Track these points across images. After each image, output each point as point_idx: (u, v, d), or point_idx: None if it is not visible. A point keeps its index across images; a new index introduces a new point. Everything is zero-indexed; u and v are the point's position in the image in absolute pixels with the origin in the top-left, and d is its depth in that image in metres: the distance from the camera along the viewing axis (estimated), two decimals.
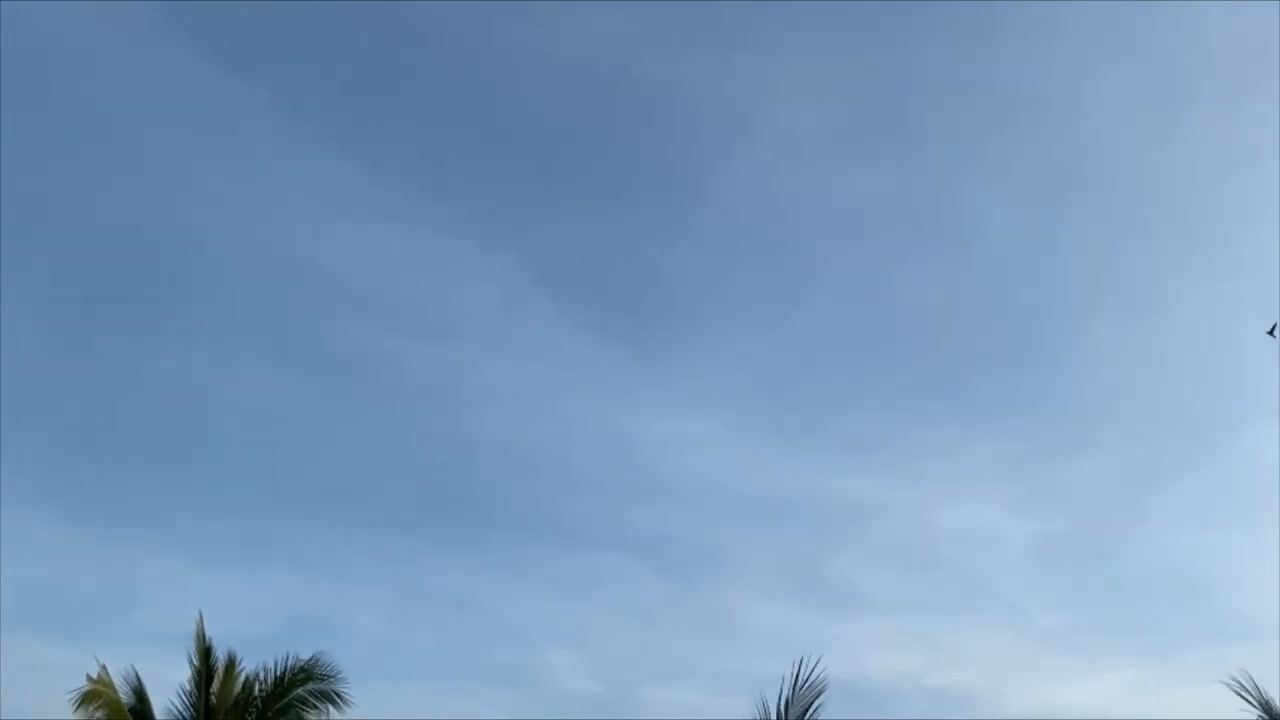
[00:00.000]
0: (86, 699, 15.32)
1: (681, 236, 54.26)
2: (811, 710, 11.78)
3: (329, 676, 17.19)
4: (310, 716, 17.01)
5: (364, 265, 47.16)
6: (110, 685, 15.84)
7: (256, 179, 46.64)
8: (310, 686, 17.05)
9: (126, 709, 15.98)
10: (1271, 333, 24.68)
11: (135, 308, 44.84)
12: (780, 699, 11.79)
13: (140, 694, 16.52)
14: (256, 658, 17.42)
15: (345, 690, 17.26)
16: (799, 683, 11.80)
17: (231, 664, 17.14)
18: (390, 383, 47.57)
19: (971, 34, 49.95)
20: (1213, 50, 48.88)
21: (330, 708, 17.10)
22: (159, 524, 38.72)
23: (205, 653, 16.83)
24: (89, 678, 15.59)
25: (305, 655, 17.24)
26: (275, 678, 17.05)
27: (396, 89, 47.64)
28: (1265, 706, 12.75)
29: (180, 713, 16.85)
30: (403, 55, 47.24)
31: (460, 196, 50.13)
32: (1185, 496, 52.23)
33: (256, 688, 17.07)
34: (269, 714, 16.79)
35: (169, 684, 17.12)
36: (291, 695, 16.92)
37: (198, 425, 42.82)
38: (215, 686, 16.81)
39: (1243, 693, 12.80)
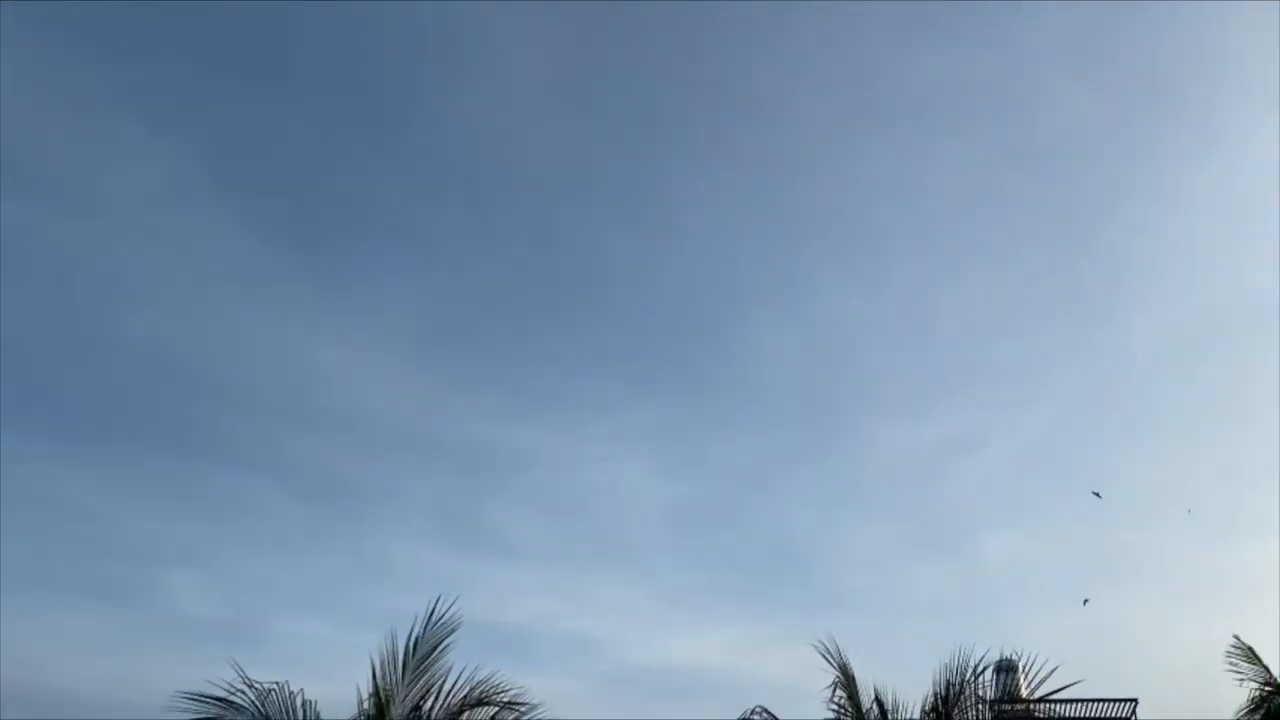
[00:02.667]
0: None
1: (388, 160, 52.17)
2: (440, 648, 12.17)
3: None
4: None
5: None
6: None
7: None
8: None
9: None
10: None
11: None
12: (411, 635, 12.06)
13: None
14: None
15: None
16: (431, 620, 12.14)
17: None
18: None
19: (693, 29, 51.96)
20: (908, 80, 54.64)
21: None
22: None
23: None
24: None
25: None
26: None
27: None
28: (843, 669, 14.47)
29: None
30: None
31: (135, 59, 44.38)
32: (808, 477, 58.63)
33: None
34: None
35: None
36: None
37: None
38: None
39: (826, 655, 14.47)
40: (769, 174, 57.57)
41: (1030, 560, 54.03)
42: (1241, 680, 17.04)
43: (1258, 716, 16.60)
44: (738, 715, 14.01)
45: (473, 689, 12.17)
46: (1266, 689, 16.80)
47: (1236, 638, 17.25)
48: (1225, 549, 51.14)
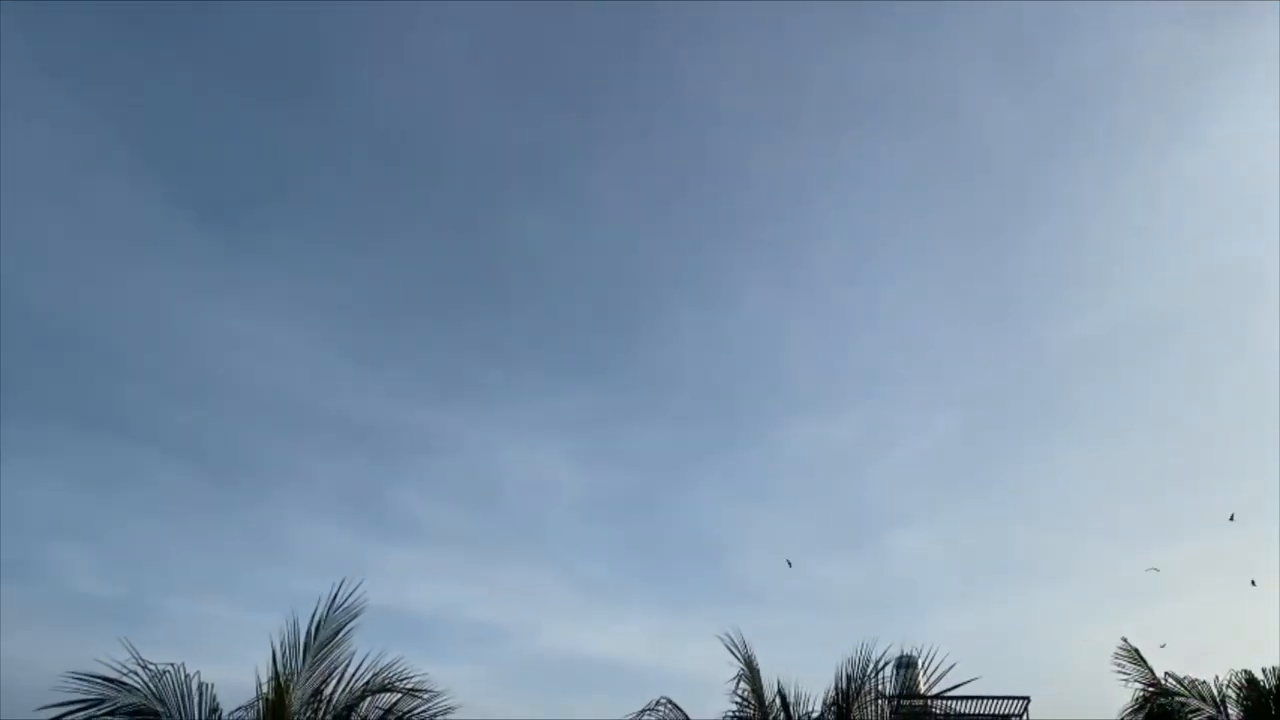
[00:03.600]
0: None
1: (307, 132, 50.59)
2: (343, 632, 12.00)
3: None
4: None
5: None
6: None
7: None
8: None
9: None
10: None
11: None
12: (313, 619, 11.87)
13: None
14: None
15: None
16: (335, 604, 11.97)
17: None
18: None
19: (623, 22, 51.58)
20: (840, 82, 55.42)
21: None
22: None
23: None
24: None
25: None
26: None
27: None
28: (748, 662, 14.72)
29: None
30: None
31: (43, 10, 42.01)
32: (724, 472, 59.36)
33: None
34: None
35: None
36: None
37: None
38: None
39: (732, 648, 14.72)
40: (695, 170, 57.96)
41: (936, 559, 55.51)
42: (1127, 681, 17.78)
43: (1140, 716, 17.33)
44: (642, 707, 14.11)
45: (375, 675, 12.05)
46: (1150, 690, 17.54)
47: (1124, 640, 17.98)
48: (1128, 553, 53.25)
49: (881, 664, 14.21)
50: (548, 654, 46.34)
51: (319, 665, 11.83)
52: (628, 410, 60.10)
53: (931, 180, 59.49)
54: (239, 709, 11.62)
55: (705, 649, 15.02)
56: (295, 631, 11.78)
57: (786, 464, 59.80)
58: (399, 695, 12.14)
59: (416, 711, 12.19)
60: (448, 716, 12.30)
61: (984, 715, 26.52)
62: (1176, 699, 17.48)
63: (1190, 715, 17.35)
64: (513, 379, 57.36)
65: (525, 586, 50.02)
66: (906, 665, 15.51)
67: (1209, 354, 59.66)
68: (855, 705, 14.08)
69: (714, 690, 14.88)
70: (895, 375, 63.28)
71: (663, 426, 59.06)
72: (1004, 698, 26.45)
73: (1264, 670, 17.38)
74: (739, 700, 14.27)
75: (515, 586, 49.36)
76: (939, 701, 14.74)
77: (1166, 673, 17.67)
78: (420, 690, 12.17)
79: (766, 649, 15.80)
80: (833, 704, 14.06)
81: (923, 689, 15.55)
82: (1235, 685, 17.54)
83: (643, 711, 14.02)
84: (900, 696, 14.53)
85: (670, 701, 14.23)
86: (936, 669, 14.21)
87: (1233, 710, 17.44)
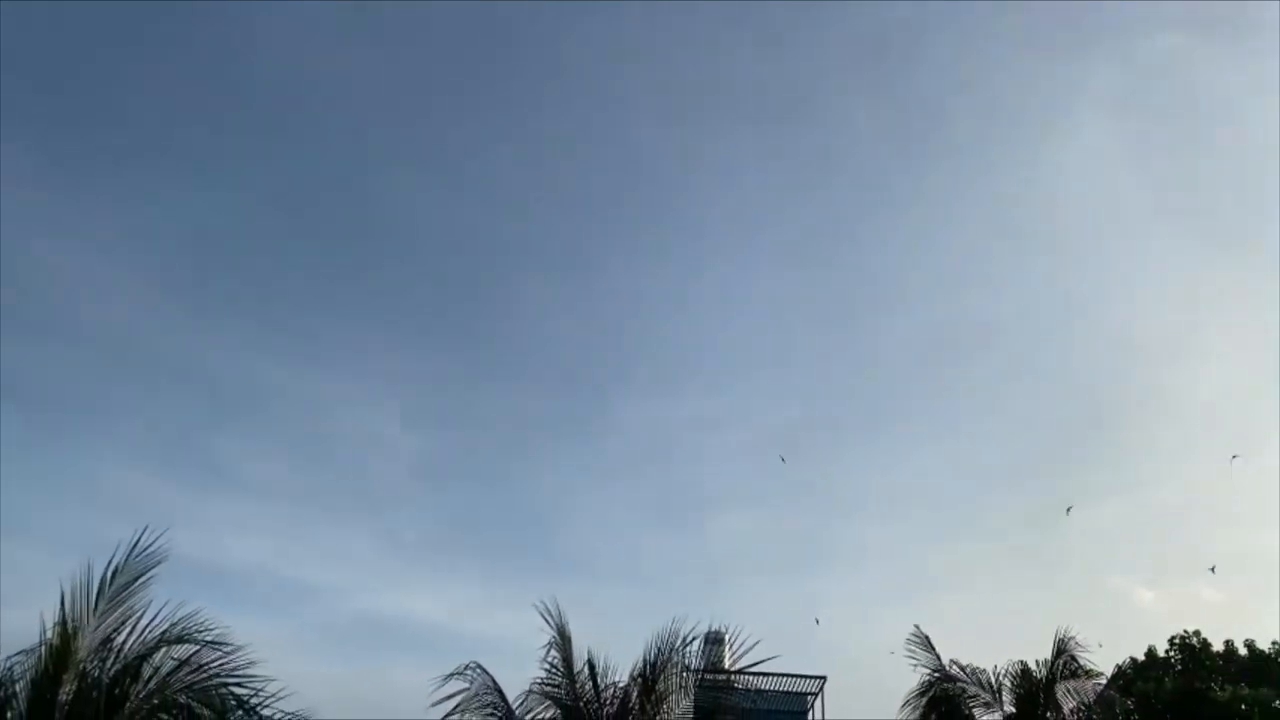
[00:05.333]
0: None
1: (155, 65, 47.72)
2: (141, 580, 11.57)
3: None
4: None
5: None
6: None
7: None
8: None
9: None
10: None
11: None
12: (110, 565, 11.40)
13: None
14: None
15: None
16: (135, 550, 11.52)
17: None
18: None
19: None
20: (718, 77, 56.17)
21: None
22: None
23: None
24: None
25: None
26: None
27: None
28: (560, 631, 15.02)
29: None
30: None
31: None
32: (562, 445, 59.96)
33: None
34: None
35: None
36: None
37: None
38: None
39: (546, 616, 15.02)
40: (571, 149, 57.86)
41: (757, 540, 57.78)
42: (916, 666, 19.06)
43: (924, 699, 18.62)
44: (451, 670, 14.20)
45: (173, 625, 11.65)
46: (935, 675, 18.86)
47: (916, 627, 19.26)
48: (934, 546, 56.74)
49: (690, 639, 14.78)
50: (366, 614, 45.72)
51: (112, 613, 11.35)
52: (473, 376, 59.61)
53: (793, 179, 61.30)
54: (18, 653, 11.04)
55: (526, 617, 15.28)
56: (89, 576, 11.26)
57: (624, 440, 60.70)
58: (197, 647, 11.77)
59: (215, 664, 11.86)
60: (249, 671, 12.00)
61: (783, 693, 27.94)
62: (959, 684, 18.87)
63: (969, 701, 18.78)
64: (354, 333, 55.95)
65: (347, 545, 49.13)
66: (715, 641, 16.19)
67: (1021, 362, 64.02)
68: (661, 677, 14.59)
69: (530, 658, 15.15)
70: (742, 363, 65.14)
71: (507, 394, 58.96)
72: (803, 676, 27.95)
73: (1037, 662, 18.97)
74: (548, 668, 14.55)
75: (337, 545, 48.42)
76: (741, 677, 15.46)
77: (952, 660, 19.06)
78: (220, 643, 11.83)
79: (588, 620, 16.16)
80: (639, 675, 14.53)
81: (727, 665, 16.27)
82: (1011, 675, 19.08)
83: (450, 675, 14.13)
84: (704, 671, 15.10)
85: (480, 666, 14.40)
86: (741, 646, 14.92)
87: (1007, 697, 18.96)
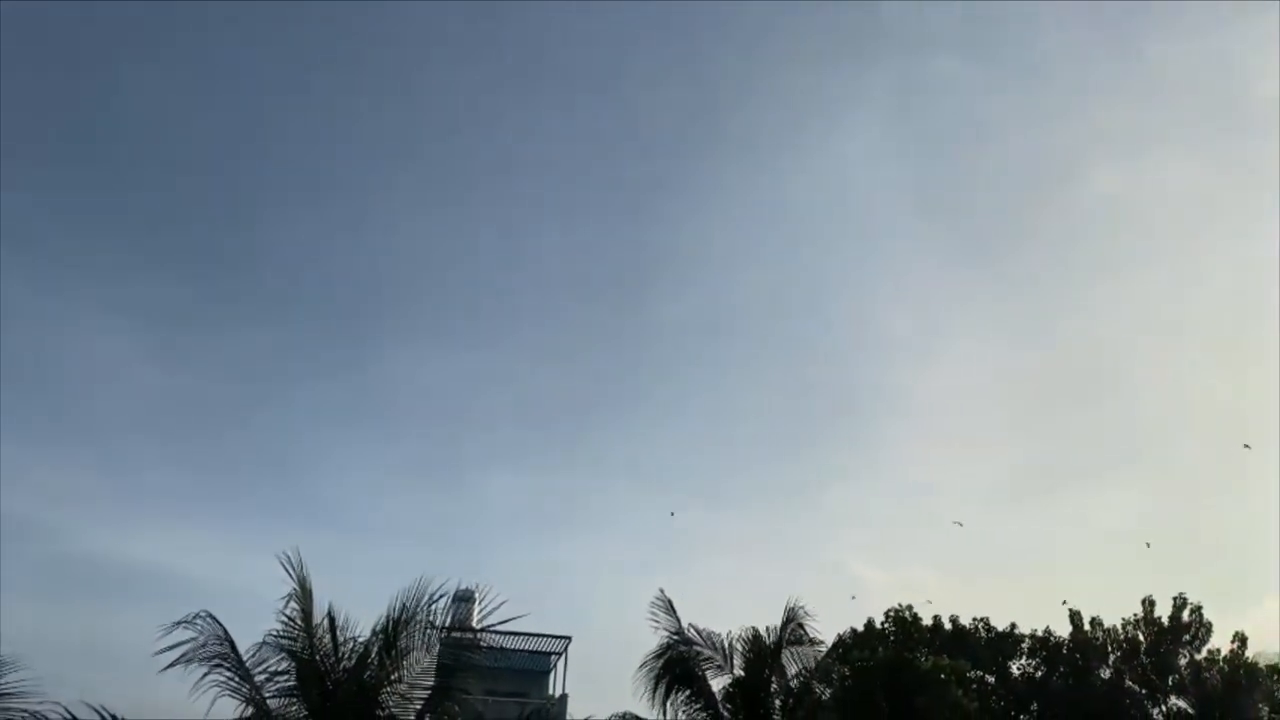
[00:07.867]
0: None
1: None
2: None
3: None
4: None
5: None
6: None
7: None
8: None
9: None
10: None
11: None
12: None
13: None
14: None
15: None
16: None
17: None
18: None
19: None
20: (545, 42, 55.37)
21: None
22: None
23: None
24: None
25: None
26: None
27: None
28: (301, 583, 14.50)
29: None
30: None
31: None
32: (327, 390, 57.70)
33: None
34: None
35: None
36: None
37: None
38: None
39: (287, 567, 14.55)
40: (368, 83, 55.35)
41: (520, 503, 58.26)
42: (658, 628, 19.93)
43: (660, 661, 19.50)
44: (179, 619, 13.45)
45: None
46: (674, 638, 19.79)
47: (661, 590, 20.12)
48: (692, 516, 59.40)
49: (438, 596, 14.70)
50: (91, 557, 42.28)
51: None
52: (230, 311, 55.91)
53: (589, 148, 61.63)
54: None
55: (266, 566, 14.68)
56: None
57: (395, 390, 59.14)
58: None
59: None
60: None
61: (528, 652, 28.47)
62: (694, 648, 19.90)
63: (703, 663, 19.86)
64: (91, 245, 50.63)
65: (72, 482, 45.10)
66: (464, 599, 16.21)
67: (778, 344, 68.07)
68: (404, 634, 14.45)
69: (269, 609, 14.57)
70: (522, 322, 65.04)
71: (268, 332, 55.72)
72: (548, 636, 28.56)
73: (766, 628, 20.28)
74: (286, 620, 14.08)
75: (58, 479, 44.31)
76: (486, 635, 15.60)
77: (690, 624, 20.05)
78: None
79: (344, 577, 15.71)
80: (381, 631, 14.33)
81: (475, 623, 16.36)
82: (743, 639, 20.31)
83: (178, 623, 13.37)
84: (450, 629, 15.09)
85: (210, 615, 13.71)
86: (490, 604, 15.02)
87: (738, 661, 20.19)
